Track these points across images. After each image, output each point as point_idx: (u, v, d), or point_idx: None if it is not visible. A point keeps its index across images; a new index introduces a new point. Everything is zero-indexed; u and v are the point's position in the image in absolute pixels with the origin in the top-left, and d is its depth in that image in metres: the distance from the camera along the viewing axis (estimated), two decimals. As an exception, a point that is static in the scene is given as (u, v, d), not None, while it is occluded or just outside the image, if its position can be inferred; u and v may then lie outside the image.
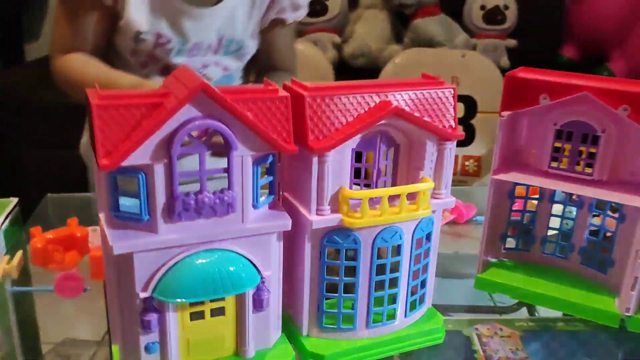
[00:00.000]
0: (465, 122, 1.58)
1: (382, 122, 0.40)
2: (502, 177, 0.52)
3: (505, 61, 1.91)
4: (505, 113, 0.50)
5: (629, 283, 0.50)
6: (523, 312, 0.63)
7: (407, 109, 0.41)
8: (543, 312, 0.61)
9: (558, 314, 0.60)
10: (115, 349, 0.39)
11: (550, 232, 0.57)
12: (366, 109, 0.40)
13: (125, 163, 0.34)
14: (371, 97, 0.41)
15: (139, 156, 0.33)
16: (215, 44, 0.81)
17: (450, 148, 0.43)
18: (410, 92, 0.42)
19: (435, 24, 1.84)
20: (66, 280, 0.50)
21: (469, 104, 1.58)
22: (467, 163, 1.61)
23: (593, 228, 0.55)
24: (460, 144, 1.61)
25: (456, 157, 1.60)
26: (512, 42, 1.93)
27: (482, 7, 1.92)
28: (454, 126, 0.43)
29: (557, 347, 0.57)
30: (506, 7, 1.91)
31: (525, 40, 1.91)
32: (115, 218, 0.36)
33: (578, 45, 1.95)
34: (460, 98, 1.59)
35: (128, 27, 0.75)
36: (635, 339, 0.55)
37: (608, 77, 0.53)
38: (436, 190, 0.44)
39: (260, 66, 0.91)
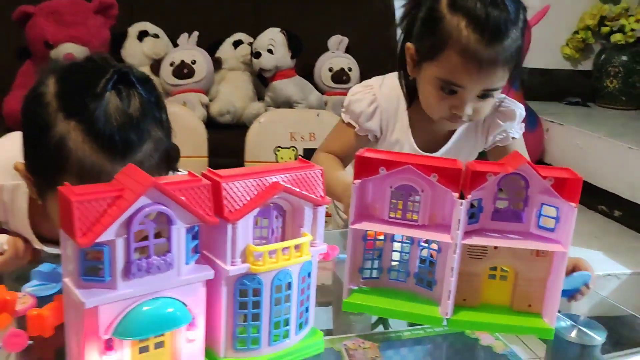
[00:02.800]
0: (322, 171, 1.80)
1: (274, 197, 0.58)
2: (357, 226, 0.68)
3: None
4: (357, 181, 0.67)
5: (446, 295, 0.67)
6: (379, 328, 0.81)
7: (289, 186, 0.59)
8: (394, 325, 0.79)
9: (404, 325, 0.78)
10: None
11: (394, 263, 0.72)
12: (263, 189, 0.57)
13: (97, 241, 0.47)
14: (266, 179, 0.58)
15: (107, 235, 0.47)
16: None
17: (321, 210, 0.62)
18: (292, 173, 0.59)
19: (291, 85, 2.05)
20: (14, 337, 0.59)
21: (325, 156, 1.80)
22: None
23: (422, 258, 0.70)
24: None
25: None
26: (357, 99, 2.22)
27: (330, 69, 2.18)
28: (323, 195, 0.62)
29: (406, 351, 0.75)
30: (350, 69, 2.20)
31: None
32: (82, 280, 0.48)
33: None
34: (317, 151, 1.82)
35: None
36: (456, 343, 0.75)
37: (423, 155, 0.73)
38: (313, 241, 0.62)
39: None
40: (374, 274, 0.72)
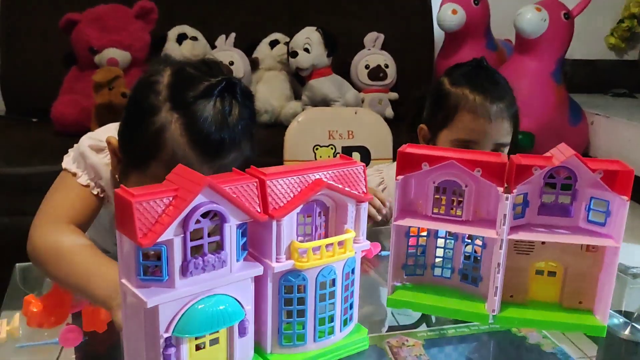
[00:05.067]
0: (361, 169, 1.80)
1: (318, 194, 0.58)
2: (400, 222, 0.68)
3: (389, 112, 2.15)
4: (399, 177, 0.67)
5: (492, 291, 0.66)
6: (422, 326, 0.81)
7: (332, 183, 0.59)
8: (439, 323, 0.79)
9: (450, 324, 0.77)
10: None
11: (437, 260, 0.71)
12: (306, 185, 0.58)
13: (157, 241, 0.47)
14: (309, 176, 0.58)
15: (166, 234, 0.47)
16: None
17: (364, 207, 0.62)
18: (334, 170, 0.60)
19: (328, 83, 2.05)
20: (69, 333, 0.61)
21: (364, 153, 1.80)
22: (365, 204, 1.82)
23: (466, 254, 0.69)
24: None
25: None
26: (394, 95, 2.20)
27: (367, 67, 2.17)
28: (365, 192, 0.62)
29: (451, 349, 0.75)
30: (386, 66, 2.18)
31: (404, 93, 2.18)
32: (140, 280, 0.49)
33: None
34: (356, 148, 1.82)
35: None
36: (502, 341, 0.74)
37: (467, 149, 0.73)
38: (356, 238, 0.62)
39: None
40: (418, 270, 0.72)
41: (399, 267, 0.71)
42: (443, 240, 0.71)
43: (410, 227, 0.69)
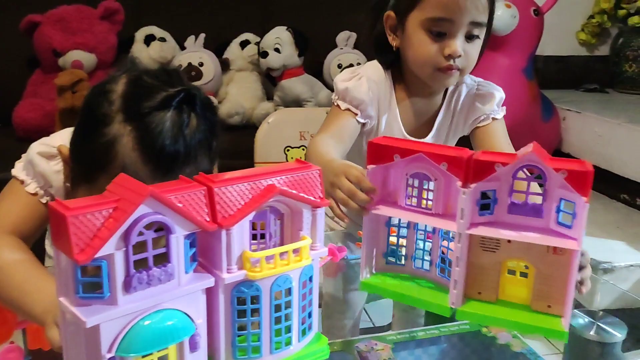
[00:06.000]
0: (334, 169, 1.78)
1: (270, 200, 0.55)
2: (378, 211, 0.68)
3: None
4: (370, 166, 0.67)
5: (452, 284, 0.65)
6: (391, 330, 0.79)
7: (286, 188, 0.57)
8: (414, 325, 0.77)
9: (419, 327, 0.76)
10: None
11: (418, 251, 0.71)
12: (258, 192, 0.55)
13: (95, 256, 0.44)
14: (261, 182, 0.55)
15: (106, 249, 0.44)
16: None
17: (320, 213, 0.59)
18: (288, 175, 0.57)
19: (300, 83, 2.04)
20: (9, 353, 0.58)
21: (336, 154, 1.78)
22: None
23: (443, 248, 0.68)
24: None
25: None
26: (367, 94, 2.20)
27: (339, 66, 2.16)
28: (322, 196, 0.60)
29: (420, 352, 0.73)
30: (359, 65, 2.17)
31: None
32: (79, 298, 0.46)
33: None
34: (328, 149, 1.79)
35: None
36: (472, 342, 0.73)
37: (435, 144, 0.72)
38: (313, 244, 0.59)
39: None
40: (398, 260, 0.72)
41: (380, 255, 0.72)
42: (423, 232, 0.71)
43: (391, 216, 0.69)
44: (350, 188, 0.72)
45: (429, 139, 1.09)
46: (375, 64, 1.08)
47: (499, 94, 1.09)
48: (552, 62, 2.55)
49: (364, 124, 1.05)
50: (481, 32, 0.99)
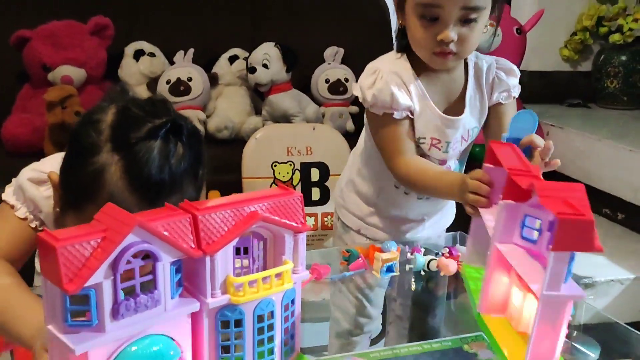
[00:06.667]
0: (320, 184, 1.80)
1: (253, 226, 0.58)
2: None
3: (350, 125, 2.15)
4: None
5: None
6: (379, 345, 0.80)
7: (268, 215, 0.59)
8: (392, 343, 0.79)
9: (403, 343, 0.77)
10: None
11: None
12: (241, 219, 0.57)
13: (84, 285, 0.46)
14: (243, 209, 0.57)
15: (94, 278, 0.46)
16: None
17: (302, 237, 0.61)
18: (270, 202, 0.59)
19: (288, 98, 2.05)
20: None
21: (323, 169, 1.81)
22: (325, 219, 1.83)
23: None
24: (320, 203, 1.83)
25: (316, 214, 1.82)
26: (354, 109, 2.21)
27: (327, 81, 2.18)
28: (303, 222, 0.62)
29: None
30: (347, 80, 2.19)
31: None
32: (68, 327, 0.48)
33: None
34: (315, 165, 1.82)
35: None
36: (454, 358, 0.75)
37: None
38: (295, 268, 0.61)
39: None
40: None
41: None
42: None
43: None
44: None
45: (465, 116, 1.08)
46: (389, 55, 1.09)
47: (516, 69, 1.11)
48: (536, 77, 2.60)
49: (405, 116, 1.04)
50: (480, 16, 0.97)
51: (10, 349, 0.64)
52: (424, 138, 1.07)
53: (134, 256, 0.49)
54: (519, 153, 0.77)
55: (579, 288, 0.61)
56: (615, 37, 2.44)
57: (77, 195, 0.72)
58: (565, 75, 2.68)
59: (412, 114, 1.05)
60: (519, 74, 1.11)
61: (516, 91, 1.11)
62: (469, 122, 1.10)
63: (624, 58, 2.48)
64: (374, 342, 1.22)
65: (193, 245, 0.53)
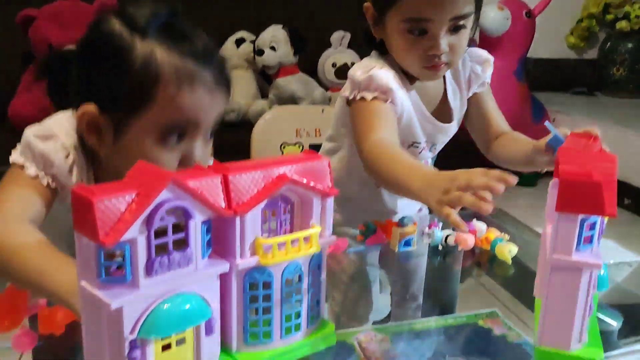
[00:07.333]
0: (329, 166, 1.80)
1: (282, 189, 0.57)
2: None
3: None
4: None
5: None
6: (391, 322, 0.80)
7: (297, 177, 0.58)
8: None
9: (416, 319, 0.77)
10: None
11: None
12: (270, 181, 0.57)
13: (120, 240, 0.45)
14: (272, 171, 0.57)
15: (130, 233, 0.46)
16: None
17: (329, 202, 0.61)
18: (299, 165, 0.59)
19: (295, 81, 2.05)
20: (23, 337, 0.58)
21: (331, 151, 1.80)
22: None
23: None
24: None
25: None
26: (361, 94, 2.21)
27: (334, 65, 2.18)
28: (330, 186, 0.61)
29: (418, 343, 0.75)
30: (353, 64, 2.19)
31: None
32: (101, 282, 0.47)
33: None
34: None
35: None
36: (469, 334, 0.75)
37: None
38: (322, 233, 0.61)
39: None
40: None
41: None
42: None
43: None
44: (488, 184, 0.64)
45: (454, 123, 1.08)
46: (374, 55, 1.04)
47: (490, 57, 1.08)
48: (543, 65, 2.60)
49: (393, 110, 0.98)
50: (467, 21, 0.94)
51: (35, 312, 0.63)
52: (419, 143, 1.07)
53: (168, 214, 0.49)
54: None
55: (598, 257, 0.60)
56: (622, 24, 2.44)
57: (133, 101, 0.73)
58: (571, 63, 2.68)
59: (401, 119, 1.00)
60: (492, 59, 1.08)
61: (489, 77, 1.09)
62: (455, 127, 1.11)
63: (630, 45, 2.48)
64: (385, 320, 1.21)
65: (224, 205, 0.53)
